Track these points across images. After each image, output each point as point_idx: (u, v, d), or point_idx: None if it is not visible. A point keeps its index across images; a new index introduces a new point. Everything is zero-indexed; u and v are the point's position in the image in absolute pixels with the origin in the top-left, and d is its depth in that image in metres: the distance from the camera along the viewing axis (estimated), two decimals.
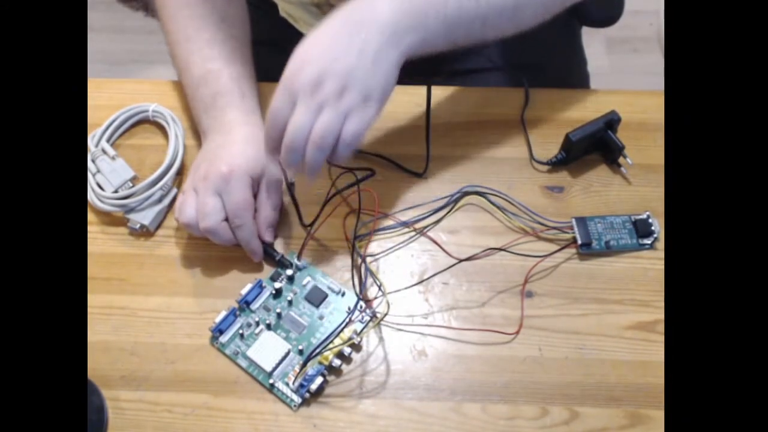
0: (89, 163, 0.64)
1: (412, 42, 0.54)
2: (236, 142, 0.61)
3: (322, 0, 0.76)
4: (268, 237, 0.61)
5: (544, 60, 0.81)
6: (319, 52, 0.52)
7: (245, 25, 0.69)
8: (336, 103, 0.52)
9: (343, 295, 0.60)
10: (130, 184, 0.64)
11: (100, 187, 0.63)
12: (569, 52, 0.89)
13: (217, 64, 0.64)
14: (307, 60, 0.52)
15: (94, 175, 0.64)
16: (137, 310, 0.60)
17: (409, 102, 0.71)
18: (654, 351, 0.57)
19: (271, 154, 0.55)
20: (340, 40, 0.52)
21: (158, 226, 0.63)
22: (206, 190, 0.59)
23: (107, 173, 0.64)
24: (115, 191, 0.63)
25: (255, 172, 0.60)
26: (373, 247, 0.62)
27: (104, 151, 0.65)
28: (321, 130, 0.52)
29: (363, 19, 0.53)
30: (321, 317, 0.59)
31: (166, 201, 0.64)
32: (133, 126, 0.69)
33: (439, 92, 0.70)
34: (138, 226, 0.62)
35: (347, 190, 0.61)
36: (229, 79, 0.63)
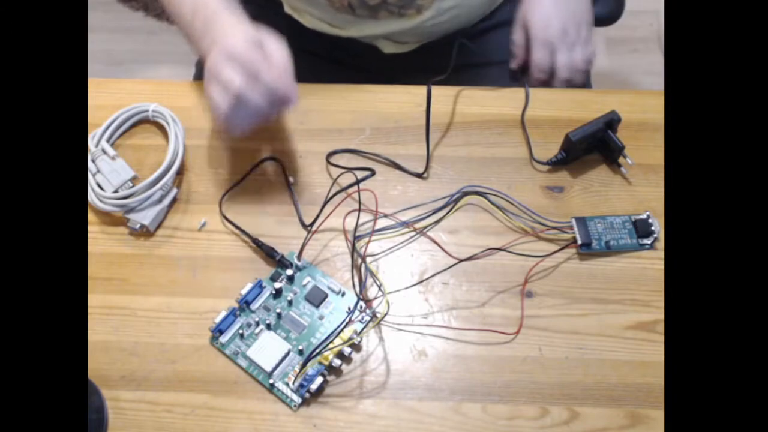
0: (89, 163, 0.64)
1: None
2: (228, 29, 0.61)
3: None
4: (292, 91, 0.59)
5: None
6: (555, 11, 0.73)
7: None
8: (581, 40, 0.74)
9: (343, 295, 0.60)
10: (130, 184, 0.64)
11: (100, 187, 0.63)
12: None
13: None
14: (548, 18, 0.73)
15: (94, 175, 0.64)
16: (137, 310, 0.60)
17: (409, 102, 0.71)
18: (654, 351, 0.57)
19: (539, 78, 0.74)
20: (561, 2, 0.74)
21: (158, 226, 0.63)
22: (218, 66, 0.58)
23: (107, 173, 0.64)
24: (115, 191, 0.63)
25: (254, 39, 0.59)
26: (373, 247, 0.62)
27: (104, 151, 0.65)
28: (583, 61, 0.74)
29: None
30: (321, 317, 0.59)
31: (166, 201, 0.64)
32: (133, 126, 0.69)
33: (439, 92, 0.70)
34: (138, 226, 0.62)
35: (347, 190, 0.61)
36: (217, 3, 0.64)
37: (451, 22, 0.79)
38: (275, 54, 0.59)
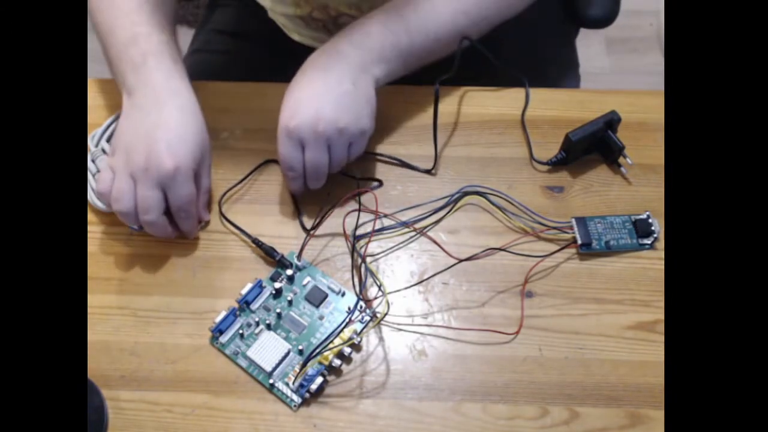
0: (89, 163, 0.64)
1: (378, 73, 0.62)
2: (172, 121, 0.59)
3: (305, 13, 0.76)
4: (206, 216, 0.63)
5: (537, 61, 0.82)
6: (307, 98, 0.59)
7: (173, 3, 0.69)
8: (339, 138, 0.60)
9: (343, 295, 0.60)
10: None
11: None
12: (563, 53, 0.89)
13: (146, 28, 0.63)
14: (298, 108, 0.59)
15: (94, 175, 0.64)
16: (137, 310, 0.59)
17: (409, 102, 0.71)
18: (654, 351, 0.57)
19: (295, 184, 0.63)
20: (318, 82, 0.60)
21: None
22: (147, 182, 0.57)
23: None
24: None
25: (197, 161, 0.60)
26: (373, 247, 0.62)
27: (104, 151, 0.65)
28: (336, 163, 0.61)
29: (333, 63, 0.61)
30: (321, 317, 0.59)
31: None
32: None
33: (440, 92, 0.70)
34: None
35: (348, 190, 0.61)
36: (159, 42, 0.62)
37: None
38: (202, 191, 0.62)
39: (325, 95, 0.59)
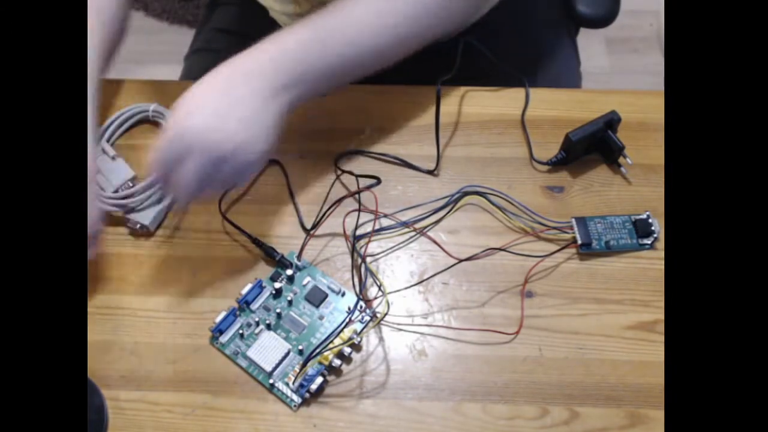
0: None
1: (293, 96, 0.57)
2: None
3: (304, 11, 0.76)
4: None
5: (538, 60, 0.82)
6: (204, 118, 0.54)
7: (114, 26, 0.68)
8: (232, 157, 0.54)
9: (343, 295, 0.60)
10: (130, 184, 0.64)
11: (100, 187, 0.63)
12: (564, 52, 0.89)
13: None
14: (190, 113, 0.54)
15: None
16: (137, 310, 0.59)
17: (409, 102, 0.71)
18: (654, 351, 0.57)
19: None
20: (222, 100, 0.54)
21: (158, 226, 0.63)
22: None
23: (107, 173, 0.64)
24: (115, 191, 0.63)
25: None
26: (373, 247, 0.62)
27: (104, 151, 0.65)
28: (211, 193, 0.57)
29: (242, 78, 0.55)
30: (321, 317, 0.59)
31: (166, 201, 0.63)
32: (133, 126, 0.69)
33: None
34: (138, 226, 0.62)
35: (348, 190, 0.61)
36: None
37: None
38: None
39: (225, 109, 0.54)
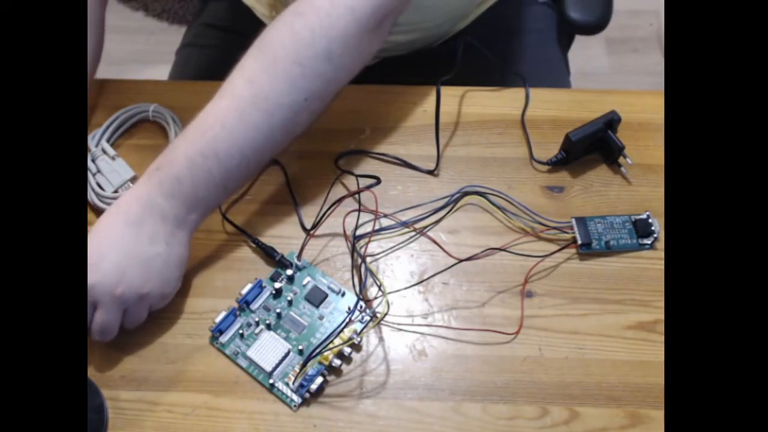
0: (89, 163, 0.64)
1: (200, 215, 0.57)
2: None
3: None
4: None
5: (527, 68, 0.82)
6: (112, 255, 0.54)
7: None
8: (138, 303, 0.55)
9: (343, 295, 0.60)
10: (130, 184, 0.64)
11: (100, 187, 0.63)
12: (553, 62, 0.89)
13: None
14: (99, 263, 0.53)
15: (94, 175, 0.64)
16: None
17: (409, 102, 0.71)
18: (654, 351, 0.57)
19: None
20: (127, 239, 0.54)
21: None
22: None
23: (107, 173, 0.64)
24: (115, 191, 0.63)
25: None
26: (373, 247, 0.62)
27: (104, 151, 0.65)
28: (129, 323, 0.56)
29: (146, 217, 0.55)
30: (321, 317, 0.59)
31: None
32: (133, 126, 0.69)
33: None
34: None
35: (347, 190, 0.61)
36: None
37: (412, 44, 0.79)
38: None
39: (133, 257, 0.54)
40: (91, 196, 0.63)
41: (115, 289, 0.53)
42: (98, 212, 0.64)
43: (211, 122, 0.55)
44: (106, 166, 0.64)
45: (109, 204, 0.62)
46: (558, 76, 0.88)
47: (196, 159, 0.55)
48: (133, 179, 0.64)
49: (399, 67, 0.82)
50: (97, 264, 0.53)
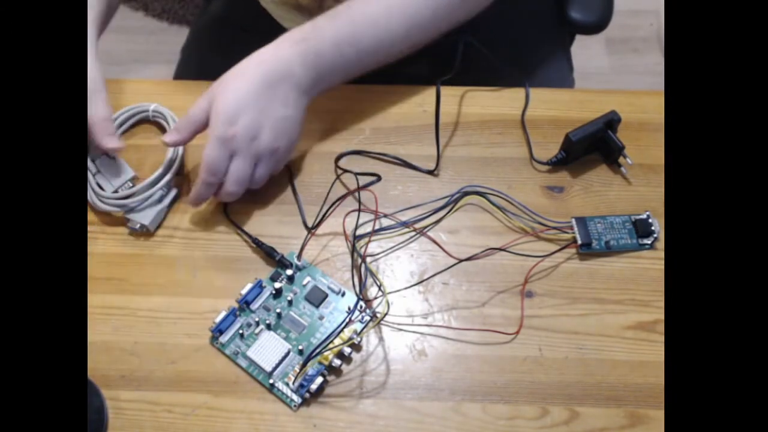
0: (89, 163, 0.64)
1: (320, 90, 0.63)
2: None
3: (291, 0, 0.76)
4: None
5: (529, 67, 0.82)
6: (249, 109, 0.59)
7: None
8: (270, 156, 0.61)
9: (343, 295, 0.60)
10: (130, 184, 0.64)
11: (100, 187, 0.63)
12: (556, 59, 0.89)
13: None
14: (237, 117, 0.58)
15: (94, 175, 0.64)
16: (137, 310, 0.59)
17: (409, 102, 0.71)
18: (654, 351, 0.57)
19: (207, 191, 0.61)
20: (264, 98, 0.59)
21: (158, 226, 0.63)
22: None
23: (107, 173, 0.64)
24: (115, 191, 0.63)
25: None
26: (373, 247, 0.62)
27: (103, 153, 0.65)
28: (260, 178, 0.62)
29: (281, 79, 0.60)
30: (321, 317, 0.59)
31: (166, 201, 0.64)
32: (133, 126, 0.69)
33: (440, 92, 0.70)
34: (138, 226, 0.62)
35: (348, 190, 0.61)
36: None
37: None
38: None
39: (269, 116, 0.59)
40: (91, 196, 0.63)
41: (252, 142, 0.59)
42: (98, 212, 0.64)
43: (361, 17, 0.62)
44: (107, 166, 0.64)
45: (109, 204, 0.62)
46: (561, 75, 0.88)
47: (341, 44, 0.62)
48: (134, 179, 0.64)
49: (400, 67, 0.81)
50: (237, 116, 0.58)
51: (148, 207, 0.63)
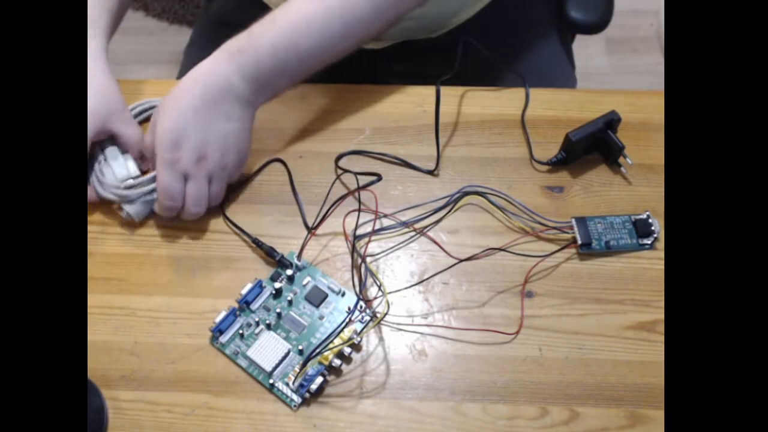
0: (98, 152, 0.64)
1: (266, 98, 0.63)
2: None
3: None
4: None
5: (531, 66, 0.82)
6: (193, 132, 0.59)
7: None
8: (221, 172, 0.61)
9: (343, 295, 0.60)
10: (132, 182, 0.64)
11: (103, 174, 0.63)
12: (557, 58, 0.89)
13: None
14: (181, 140, 0.58)
15: (99, 163, 0.64)
16: (137, 310, 0.60)
17: (409, 102, 0.71)
18: (654, 351, 0.57)
19: (170, 212, 0.62)
20: (205, 116, 0.59)
21: (144, 219, 0.63)
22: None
23: (113, 164, 0.63)
24: (118, 182, 0.63)
25: (96, 121, 0.62)
26: (373, 247, 0.62)
27: (113, 144, 0.65)
28: (215, 198, 0.62)
29: (220, 95, 0.60)
30: (321, 317, 0.59)
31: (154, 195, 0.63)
32: (142, 122, 0.69)
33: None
34: (125, 214, 0.62)
35: (347, 190, 0.61)
36: (93, 43, 0.65)
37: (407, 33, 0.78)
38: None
39: (212, 133, 0.59)
40: (93, 180, 0.63)
41: (200, 162, 0.59)
42: (98, 212, 0.64)
43: (297, 19, 0.61)
44: (114, 158, 0.64)
45: (110, 192, 0.62)
46: (561, 74, 0.88)
47: (280, 51, 0.60)
48: (137, 177, 0.64)
49: (400, 66, 0.81)
50: (180, 139, 0.58)
51: (140, 201, 0.63)
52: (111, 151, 0.64)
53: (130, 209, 0.62)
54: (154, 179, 0.63)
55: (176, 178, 0.59)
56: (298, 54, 0.61)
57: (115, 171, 0.63)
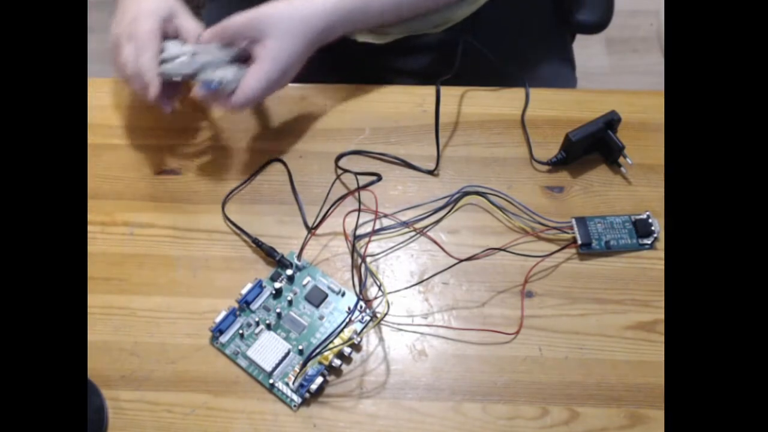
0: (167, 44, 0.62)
1: (337, 35, 0.65)
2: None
3: None
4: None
5: (531, 65, 0.82)
6: (291, 73, 0.63)
7: None
8: (262, 75, 0.61)
9: (343, 295, 0.60)
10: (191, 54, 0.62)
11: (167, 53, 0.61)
12: (557, 58, 0.89)
13: None
14: (282, 78, 0.62)
15: (163, 51, 0.61)
16: (137, 310, 0.60)
17: (408, 102, 0.71)
18: (654, 351, 0.57)
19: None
20: (299, 65, 0.63)
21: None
22: (118, 42, 0.62)
23: (170, 46, 0.62)
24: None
25: (161, 14, 0.62)
26: (373, 247, 0.62)
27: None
28: (243, 91, 0.62)
29: (315, 46, 0.63)
30: (321, 317, 0.59)
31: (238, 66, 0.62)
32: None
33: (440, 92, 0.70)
34: (213, 84, 0.61)
35: (347, 190, 0.61)
36: None
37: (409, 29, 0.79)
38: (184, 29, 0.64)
39: (295, 71, 0.63)
40: (164, 69, 0.61)
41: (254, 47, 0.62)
42: (98, 212, 0.64)
43: None
44: (174, 45, 0.62)
45: (177, 66, 0.61)
46: (562, 74, 0.88)
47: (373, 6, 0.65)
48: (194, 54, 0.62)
49: (400, 66, 0.81)
50: (284, 76, 0.62)
51: (221, 66, 0.61)
52: (173, 42, 0.62)
53: (215, 76, 0.61)
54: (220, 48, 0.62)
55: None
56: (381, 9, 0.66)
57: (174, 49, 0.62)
